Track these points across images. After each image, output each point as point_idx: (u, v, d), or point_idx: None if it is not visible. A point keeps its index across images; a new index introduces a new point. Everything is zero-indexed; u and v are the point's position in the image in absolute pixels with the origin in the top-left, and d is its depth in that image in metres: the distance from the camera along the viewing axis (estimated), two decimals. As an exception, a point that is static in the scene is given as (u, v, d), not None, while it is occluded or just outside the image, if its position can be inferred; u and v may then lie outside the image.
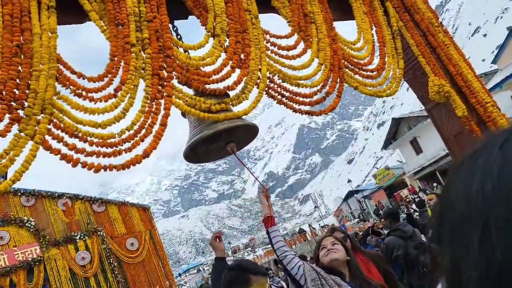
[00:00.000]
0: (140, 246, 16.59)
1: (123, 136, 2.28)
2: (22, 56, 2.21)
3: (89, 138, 2.21)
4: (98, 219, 15.81)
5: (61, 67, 2.33)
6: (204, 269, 57.84)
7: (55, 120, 2.19)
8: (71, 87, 2.32)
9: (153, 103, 2.46)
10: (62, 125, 2.20)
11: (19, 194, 14.16)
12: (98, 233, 15.29)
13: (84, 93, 2.33)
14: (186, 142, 3.10)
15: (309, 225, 51.71)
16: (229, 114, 2.93)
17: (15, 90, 2.14)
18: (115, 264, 15.22)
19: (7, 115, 2.07)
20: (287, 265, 2.99)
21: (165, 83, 2.57)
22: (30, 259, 13.24)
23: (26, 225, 13.71)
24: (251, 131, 3.34)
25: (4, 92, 2.09)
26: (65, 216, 14.82)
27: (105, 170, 2.17)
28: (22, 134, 2.09)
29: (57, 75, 2.28)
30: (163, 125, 2.42)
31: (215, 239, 3.52)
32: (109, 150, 2.22)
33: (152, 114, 2.42)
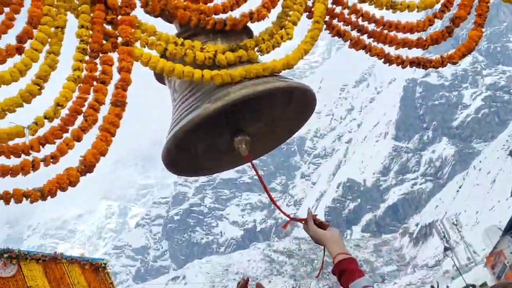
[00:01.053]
0: None
1: (40, 132, 2.32)
2: None
3: (-28, 140, 2.23)
4: (5, 290, 16.11)
5: None
6: None
7: None
8: None
9: (97, 60, 2.53)
10: None
11: None
12: (7, 318, 15.54)
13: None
14: (168, 130, 3.09)
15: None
16: (255, 68, 2.94)
17: None
18: None
19: None
20: None
21: (118, 18, 2.62)
22: None
23: None
24: (301, 102, 3.30)
25: None
26: None
27: (7, 202, 2.19)
28: None
29: None
30: (119, 103, 2.42)
31: None
32: (14, 161, 2.24)
33: (96, 83, 2.47)
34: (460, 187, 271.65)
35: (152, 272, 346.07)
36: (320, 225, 3.33)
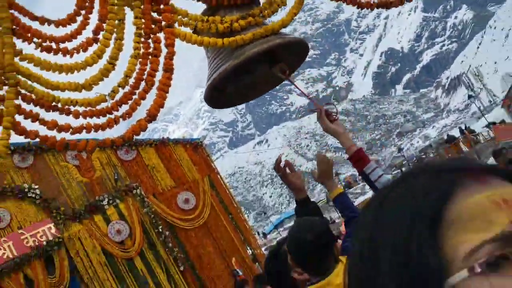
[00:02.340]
0: (198, 202, 17.22)
1: (117, 97, 2.64)
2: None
3: (72, 108, 2.58)
4: (129, 170, 16.35)
5: (16, 14, 2.64)
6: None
7: (23, 91, 2.54)
8: (35, 39, 2.66)
9: (150, 40, 2.78)
10: (33, 96, 2.57)
11: (9, 151, 14.80)
12: (134, 191, 15.70)
13: (54, 44, 2.66)
14: (206, 79, 3.40)
15: (463, 129, 51.10)
16: (260, 32, 3.18)
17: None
18: (167, 233, 15.72)
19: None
20: None
21: (161, 7, 2.87)
22: (44, 243, 14.03)
23: (29, 195, 14.20)
24: (297, 50, 3.53)
25: None
26: (80, 174, 15.18)
27: (102, 147, 2.55)
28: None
29: (13, 26, 2.59)
30: (168, 69, 2.73)
31: (280, 169, 3.62)
32: (102, 119, 2.60)
33: (150, 57, 2.75)
34: (479, 44, 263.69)
35: (242, 139, 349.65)
36: (329, 116, 3.41)
